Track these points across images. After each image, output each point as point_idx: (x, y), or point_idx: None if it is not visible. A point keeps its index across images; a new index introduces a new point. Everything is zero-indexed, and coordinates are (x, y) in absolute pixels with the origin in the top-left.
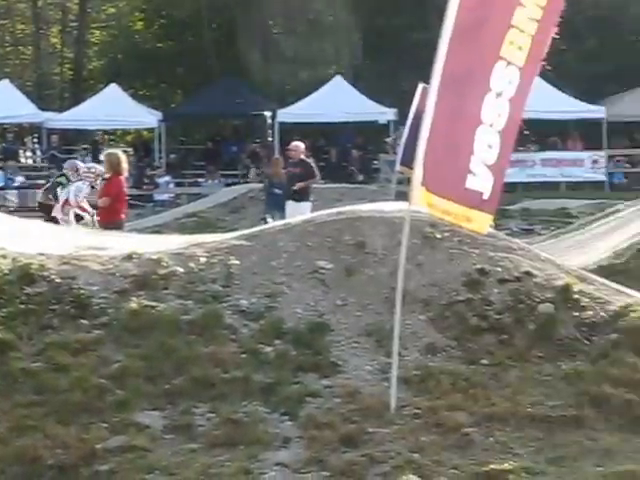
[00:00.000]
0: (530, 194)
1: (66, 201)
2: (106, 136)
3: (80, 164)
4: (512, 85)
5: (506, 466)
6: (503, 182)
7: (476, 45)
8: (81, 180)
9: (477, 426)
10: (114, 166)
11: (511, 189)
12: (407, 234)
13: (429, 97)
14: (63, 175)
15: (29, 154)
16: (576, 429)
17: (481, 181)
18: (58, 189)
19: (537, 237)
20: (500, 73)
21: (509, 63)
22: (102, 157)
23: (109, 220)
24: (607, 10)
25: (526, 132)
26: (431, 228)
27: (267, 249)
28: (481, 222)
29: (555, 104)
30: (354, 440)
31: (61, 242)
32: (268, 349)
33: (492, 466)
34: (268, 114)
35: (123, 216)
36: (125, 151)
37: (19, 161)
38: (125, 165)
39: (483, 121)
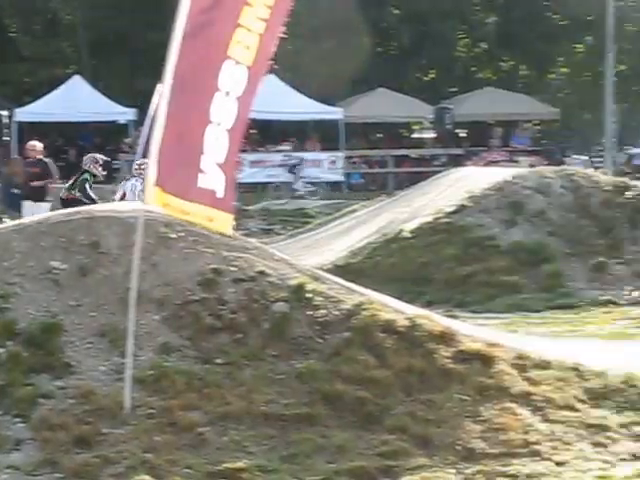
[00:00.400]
0: (269, 194)
1: (124, 195)
2: None
3: (98, 156)
4: (240, 84)
5: (240, 465)
6: (235, 180)
7: (205, 44)
8: (134, 176)
9: (211, 425)
10: None
11: (251, 189)
12: (141, 234)
13: (161, 97)
14: (87, 172)
15: None
16: (309, 427)
17: (213, 180)
18: (86, 185)
19: (276, 237)
20: (228, 72)
21: (237, 62)
22: None
23: None
24: (345, 12)
25: (255, 132)
26: (166, 228)
27: None
28: (223, 222)
29: (294, 105)
30: (88, 441)
31: None
32: (0, 350)
33: (226, 465)
34: (5, 113)
35: None
36: None
37: None
38: None
39: (212, 120)
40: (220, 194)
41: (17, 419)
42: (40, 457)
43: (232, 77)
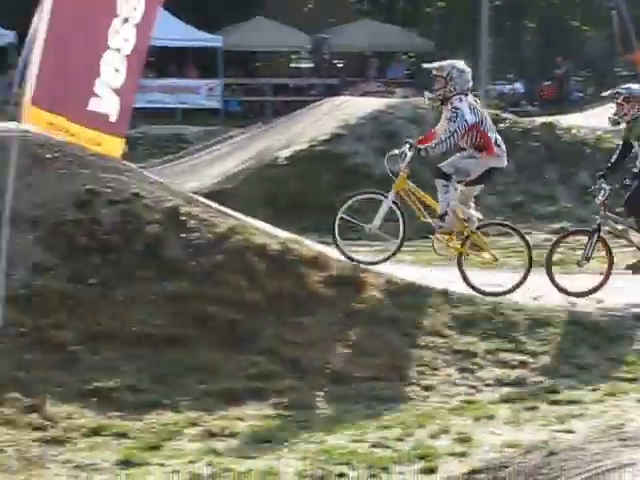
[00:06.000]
0: (147, 120)
1: None
2: None
3: None
4: (138, 11)
5: (110, 384)
6: (131, 106)
7: None
8: None
9: (83, 344)
10: None
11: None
12: (16, 153)
13: (41, 18)
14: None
15: None
16: (180, 348)
17: (107, 104)
18: None
19: (153, 160)
20: None
21: None
22: None
23: None
24: None
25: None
26: (41, 148)
27: None
28: (112, 145)
29: (173, 32)
30: None
31: None
32: None
33: (97, 384)
34: None
35: None
36: None
37: None
38: None
39: (110, 46)
40: (113, 118)
41: None
42: None
43: (130, 4)
